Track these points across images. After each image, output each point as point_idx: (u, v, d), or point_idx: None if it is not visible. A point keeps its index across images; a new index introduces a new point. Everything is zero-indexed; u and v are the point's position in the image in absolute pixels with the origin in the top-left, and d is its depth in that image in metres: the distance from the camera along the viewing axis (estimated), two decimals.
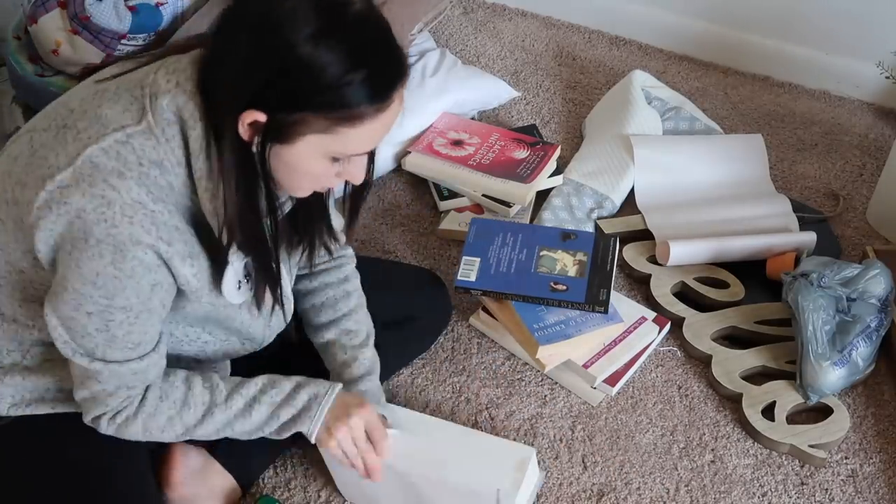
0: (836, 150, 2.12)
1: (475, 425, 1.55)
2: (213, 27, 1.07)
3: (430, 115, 2.02)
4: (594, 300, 1.55)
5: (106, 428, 1.20)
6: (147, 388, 1.20)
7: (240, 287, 1.21)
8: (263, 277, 1.21)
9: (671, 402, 1.60)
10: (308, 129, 1.05)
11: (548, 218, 1.85)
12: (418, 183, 1.98)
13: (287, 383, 1.27)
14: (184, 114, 1.07)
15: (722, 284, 1.75)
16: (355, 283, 1.45)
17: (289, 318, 1.37)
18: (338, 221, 1.38)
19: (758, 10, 2.26)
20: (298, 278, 1.43)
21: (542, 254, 1.63)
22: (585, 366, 1.57)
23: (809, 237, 1.79)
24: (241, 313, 1.26)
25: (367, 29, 1.04)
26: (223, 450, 1.40)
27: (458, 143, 1.96)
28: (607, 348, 1.60)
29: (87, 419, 1.20)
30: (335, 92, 1.03)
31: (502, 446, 1.34)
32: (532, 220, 1.87)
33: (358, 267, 1.49)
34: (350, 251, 1.47)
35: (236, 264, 1.18)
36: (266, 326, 1.33)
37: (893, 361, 1.64)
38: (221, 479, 1.38)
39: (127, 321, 1.11)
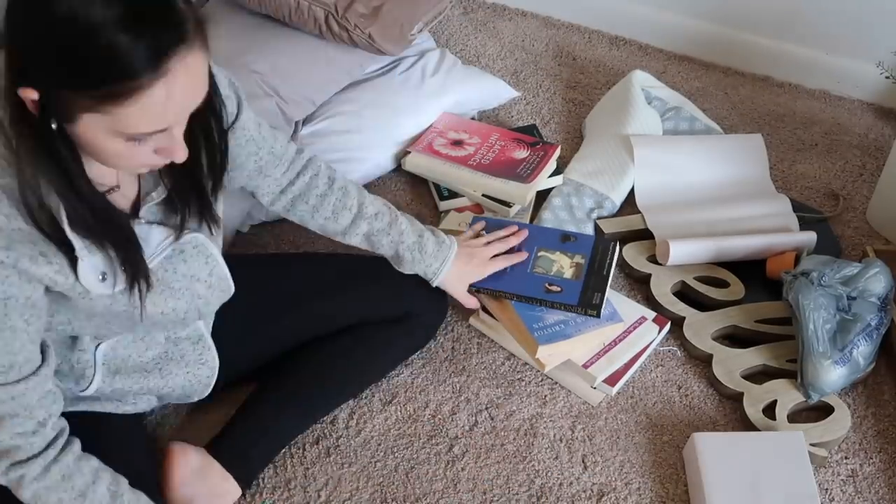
0: (836, 150, 2.12)
1: (475, 425, 1.55)
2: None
3: (430, 115, 2.02)
4: (587, 303, 1.53)
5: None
6: (53, 462, 1.12)
7: (104, 279, 1.09)
8: (123, 260, 1.09)
9: (671, 402, 1.60)
10: (78, 107, 0.94)
11: (548, 218, 1.85)
12: (418, 183, 1.98)
13: None
14: None
15: (722, 284, 1.75)
16: (330, 168, 1.48)
17: (228, 284, 1.28)
18: (282, 137, 1.39)
19: (758, 10, 2.26)
20: (280, 194, 1.43)
21: (539, 254, 1.62)
22: (585, 366, 1.57)
23: (809, 237, 1.78)
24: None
25: None
26: (223, 450, 1.40)
27: (458, 143, 1.96)
28: (607, 348, 1.60)
29: None
30: (89, 65, 0.90)
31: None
32: (532, 220, 1.87)
33: (357, 265, 1.48)
34: (306, 151, 1.47)
35: (93, 255, 1.07)
36: (194, 311, 1.23)
37: (894, 361, 1.64)
38: (221, 479, 1.38)
39: None
